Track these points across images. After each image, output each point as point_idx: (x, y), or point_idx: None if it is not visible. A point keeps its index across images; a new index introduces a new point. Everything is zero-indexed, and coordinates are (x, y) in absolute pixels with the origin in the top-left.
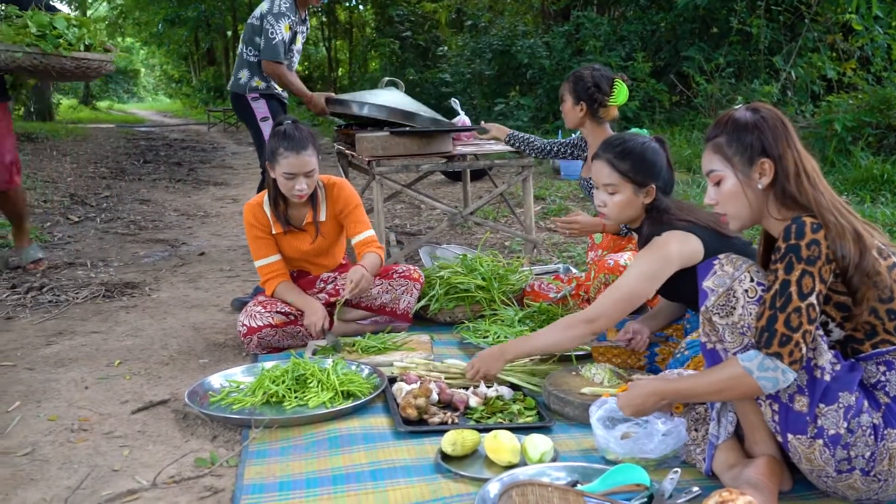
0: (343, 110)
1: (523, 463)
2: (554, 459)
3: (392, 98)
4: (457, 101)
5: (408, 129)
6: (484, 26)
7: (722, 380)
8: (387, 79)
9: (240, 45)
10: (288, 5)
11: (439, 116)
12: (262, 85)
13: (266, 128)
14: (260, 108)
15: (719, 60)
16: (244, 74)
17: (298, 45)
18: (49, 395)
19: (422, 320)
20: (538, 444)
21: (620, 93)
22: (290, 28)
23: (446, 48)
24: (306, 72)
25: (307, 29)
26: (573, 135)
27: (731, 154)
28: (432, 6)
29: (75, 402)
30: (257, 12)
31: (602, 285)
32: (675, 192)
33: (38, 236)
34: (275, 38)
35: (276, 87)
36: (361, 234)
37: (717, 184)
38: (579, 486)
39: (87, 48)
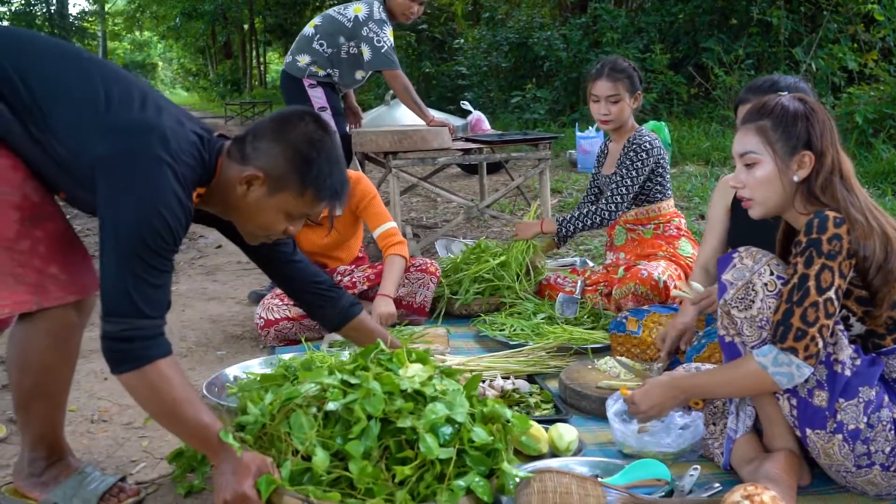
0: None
1: (551, 454)
2: (580, 450)
3: (401, 117)
4: (466, 103)
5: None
6: (500, 18)
7: (738, 376)
8: (392, 91)
9: (309, 29)
10: (386, 14)
11: (445, 116)
12: (322, 73)
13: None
14: (317, 96)
15: (738, 52)
16: (304, 59)
17: None
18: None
19: (436, 313)
20: (564, 433)
21: None
22: (392, 34)
23: (463, 41)
24: None
25: None
26: (585, 137)
27: (774, 139)
28: None
29: (95, 392)
30: (348, 12)
31: (631, 294)
32: (692, 186)
33: None
34: (383, 46)
35: (336, 76)
36: (382, 227)
37: (750, 168)
38: (600, 480)
39: None
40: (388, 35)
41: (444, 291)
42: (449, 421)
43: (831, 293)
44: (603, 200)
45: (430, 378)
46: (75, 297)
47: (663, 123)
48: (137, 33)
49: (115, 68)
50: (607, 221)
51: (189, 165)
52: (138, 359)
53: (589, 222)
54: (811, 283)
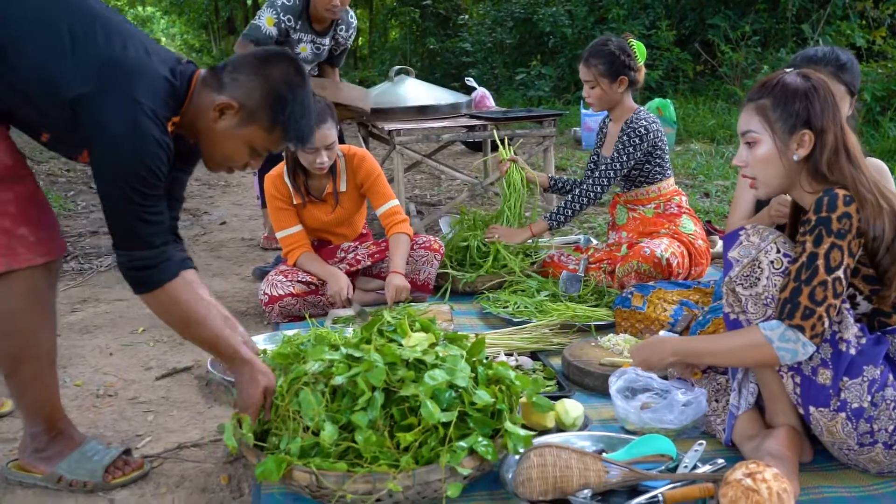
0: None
1: (557, 429)
2: (586, 425)
3: (406, 94)
4: (471, 79)
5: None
6: None
7: (740, 345)
8: (396, 68)
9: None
10: (290, 4)
11: (452, 96)
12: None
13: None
14: None
15: (745, 29)
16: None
17: (305, 54)
18: (75, 362)
19: (441, 291)
20: (570, 409)
21: (640, 50)
22: (275, 24)
23: (467, 17)
24: None
25: (327, 44)
26: (589, 114)
27: (773, 119)
28: None
29: (100, 368)
30: None
31: (634, 272)
32: (696, 164)
33: (62, 205)
34: (254, 20)
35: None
36: (386, 206)
37: (752, 147)
38: (605, 455)
39: None
40: (264, 17)
41: (450, 271)
42: (451, 386)
43: (840, 272)
44: (590, 181)
45: (433, 346)
46: (44, 258)
47: (669, 101)
48: (140, 8)
49: (74, 1)
50: (593, 201)
51: (160, 99)
52: (149, 284)
53: (577, 206)
54: (820, 261)
